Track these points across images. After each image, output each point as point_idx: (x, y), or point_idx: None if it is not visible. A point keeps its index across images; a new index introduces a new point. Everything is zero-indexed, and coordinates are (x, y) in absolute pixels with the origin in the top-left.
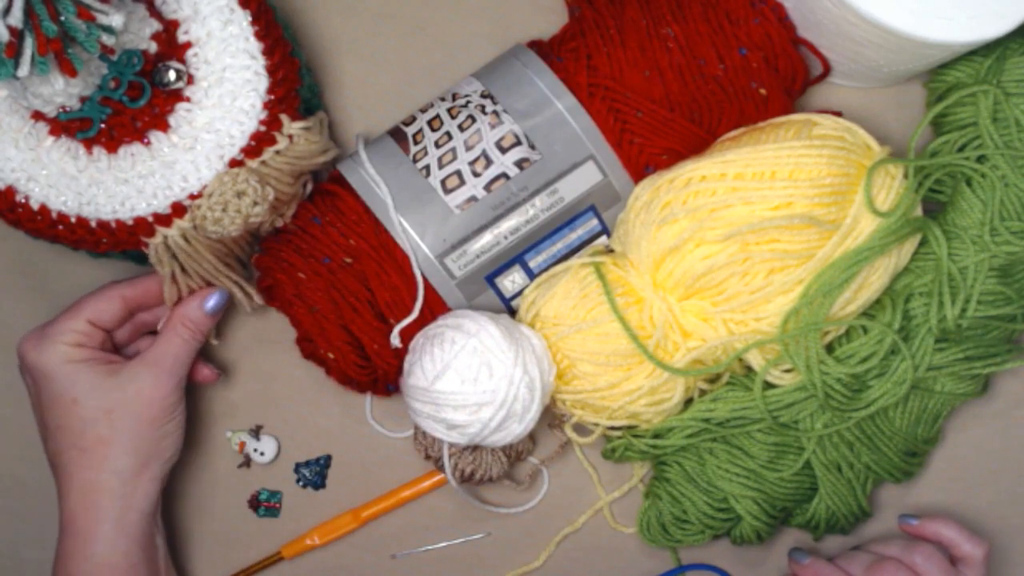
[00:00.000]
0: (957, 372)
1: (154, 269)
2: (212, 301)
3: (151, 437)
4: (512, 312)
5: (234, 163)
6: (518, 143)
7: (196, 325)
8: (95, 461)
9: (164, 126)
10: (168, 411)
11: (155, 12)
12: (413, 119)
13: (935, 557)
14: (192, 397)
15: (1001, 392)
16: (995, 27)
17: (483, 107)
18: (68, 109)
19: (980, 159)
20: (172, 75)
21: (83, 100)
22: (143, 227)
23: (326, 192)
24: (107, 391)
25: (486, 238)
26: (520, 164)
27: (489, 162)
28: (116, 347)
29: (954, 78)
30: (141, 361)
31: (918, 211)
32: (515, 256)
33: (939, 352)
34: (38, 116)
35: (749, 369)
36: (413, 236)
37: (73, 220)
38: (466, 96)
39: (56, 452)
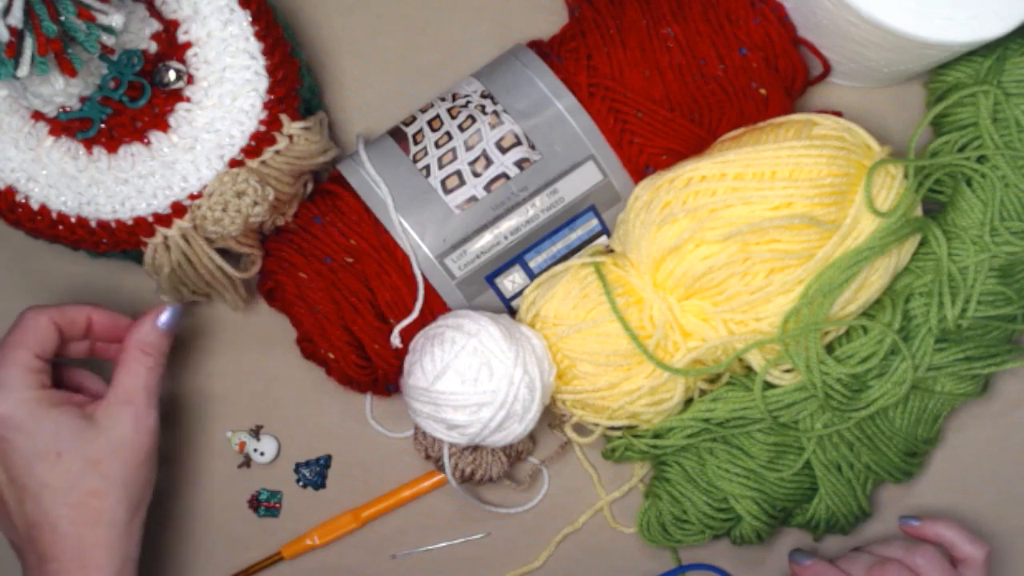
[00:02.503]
0: (957, 372)
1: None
2: (164, 317)
3: (142, 482)
4: (512, 312)
5: (234, 163)
6: (518, 143)
7: (156, 348)
8: (89, 516)
9: (164, 126)
10: (153, 451)
11: (155, 12)
12: (413, 119)
13: (936, 559)
14: (192, 397)
15: (1001, 392)
16: (995, 27)
17: (483, 107)
18: (68, 109)
19: (980, 159)
20: (172, 75)
21: (83, 100)
22: (143, 227)
23: (326, 192)
24: (90, 440)
25: (486, 238)
26: (520, 164)
27: (489, 162)
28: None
29: (954, 78)
30: (114, 401)
31: (918, 211)
32: (515, 256)
33: (939, 352)
34: (38, 116)
35: (749, 369)
36: (413, 236)
37: (73, 220)
38: (466, 96)
39: (40, 512)
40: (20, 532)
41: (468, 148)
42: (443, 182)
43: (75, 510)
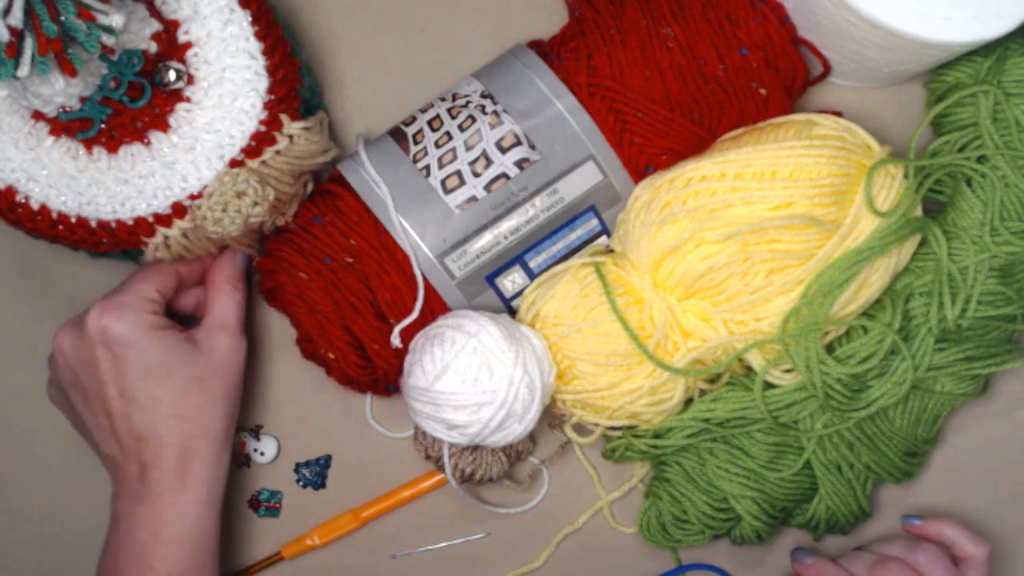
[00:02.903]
0: (957, 372)
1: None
2: (240, 255)
3: (237, 401)
4: (512, 312)
5: (234, 163)
6: (518, 143)
7: (241, 281)
8: (194, 428)
9: (164, 126)
10: (243, 374)
11: (155, 12)
12: (413, 119)
13: (938, 557)
14: None
15: (1001, 392)
16: (995, 27)
17: (483, 107)
18: (68, 109)
19: (980, 159)
20: (172, 75)
21: (83, 100)
22: (143, 227)
23: (326, 192)
24: (195, 359)
25: (486, 238)
26: (520, 164)
27: (489, 162)
28: None
29: (954, 78)
30: (213, 328)
31: (918, 211)
32: (515, 256)
33: (939, 352)
34: (38, 116)
35: (749, 369)
36: (413, 236)
37: (73, 220)
38: (466, 96)
39: (149, 424)
40: (124, 445)
41: (468, 148)
42: (443, 182)
43: (181, 422)
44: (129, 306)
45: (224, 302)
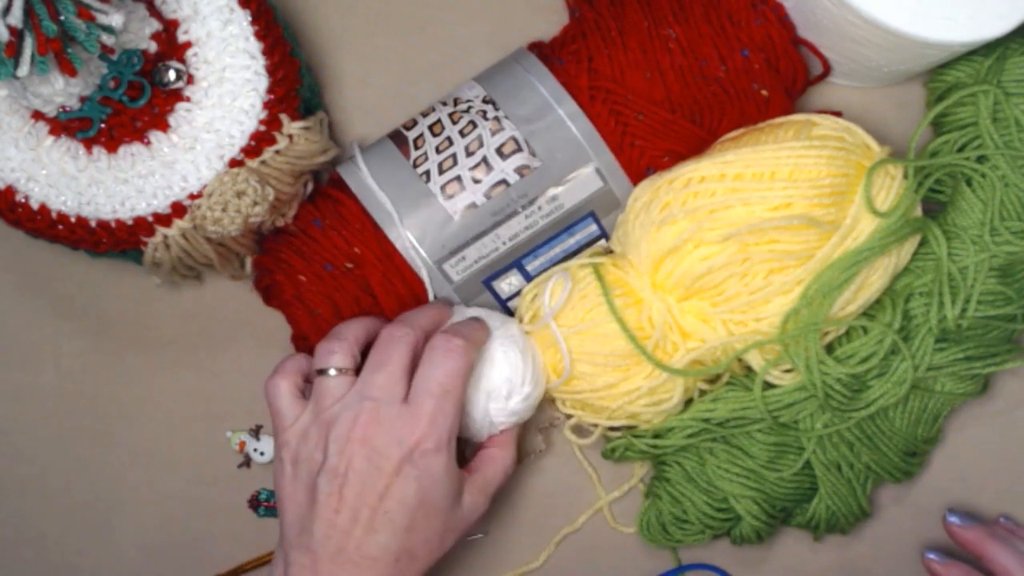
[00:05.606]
0: (957, 372)
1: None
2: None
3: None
4: (509, 313)
5: (234, 163)
6: (519, 149)
7: (513, 447)
8: (411, 573)
9: (164, 126)
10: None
11: (155, 12)
12: (414, 123)
13: None
14: (192, 397)
15: (1001, 392)
16: (995, 27)
17: (484, 112)
18: (68, 109)
19: (980, 159)
20: (172, 75)
21: (83, 100)
22: (143, 227)
23: (327, 196)
24: (455, 510)
25: (485, 244)
26: (520, 171)
27: (489, 168)
28: None
29: (954, 78)
30: (479, 488)
31: (918, 211)
32: (513, 261)
33: (939, 352)
34: (38, 116)
35: (749, 369)
36: (412, 242)
37: (73, 220)
38: (468, 101)
39: (383, 549)
40: (340, 550)
41: (469, 153)
42: (443, 187)
43: (411, 562)
44: (448, 446)
45: (498, 468)
